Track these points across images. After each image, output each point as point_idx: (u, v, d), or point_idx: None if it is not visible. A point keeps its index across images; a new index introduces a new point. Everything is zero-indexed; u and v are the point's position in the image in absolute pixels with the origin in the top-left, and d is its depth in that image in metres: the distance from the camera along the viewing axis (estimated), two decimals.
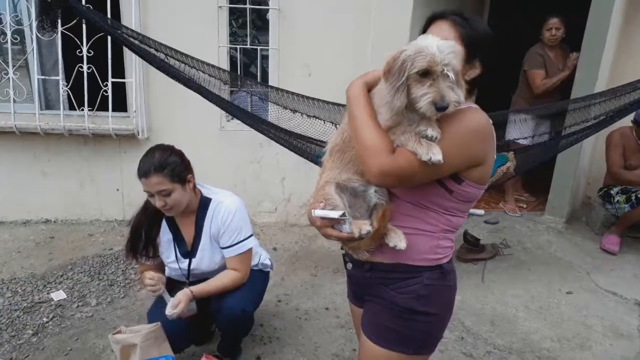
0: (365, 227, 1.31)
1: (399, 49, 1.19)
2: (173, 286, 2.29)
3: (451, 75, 1.15)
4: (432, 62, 1.14)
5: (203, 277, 2.28)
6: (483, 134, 1.30)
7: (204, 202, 2.25)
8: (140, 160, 2.08)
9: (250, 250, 2.28)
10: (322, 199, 1.37)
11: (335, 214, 1.32)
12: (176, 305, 2.08)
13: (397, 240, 1.34)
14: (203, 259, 2.26)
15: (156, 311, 2.22)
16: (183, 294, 2.12)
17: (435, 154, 1.18)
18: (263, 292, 2.50)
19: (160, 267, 2.37)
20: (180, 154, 2.16)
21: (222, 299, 2.18)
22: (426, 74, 1.15)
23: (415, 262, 1.39)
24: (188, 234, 2.27)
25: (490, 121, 1.33)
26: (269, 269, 2.56)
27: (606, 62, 4.14)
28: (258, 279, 2.44)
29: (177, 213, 2.17)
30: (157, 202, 2.07)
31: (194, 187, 2.22)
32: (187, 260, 2.27)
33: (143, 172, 2.05)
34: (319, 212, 1.35)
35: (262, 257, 2.51)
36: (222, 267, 2.28)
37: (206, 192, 2.28)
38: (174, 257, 2.28)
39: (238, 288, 2.22)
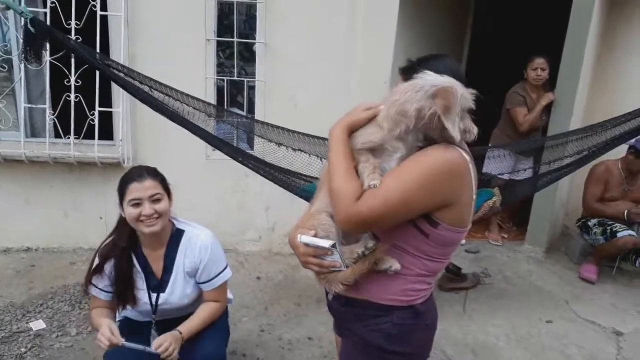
0: (364, 244, 1.31)
1: (444, 85, 1.24)
2: (130, 327, 2.16)
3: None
4: (472, 100, 1.29)
5: (170, 312, 2.18)
6: (452, 172, 1.27)
7: (176, 234, 2.15)
8: (127, 171, 2.01)
9: (227, 280, 2.23)
10: (313, 227, 1.35)
11: (325, 243, 1.29)
12: (166, 347, 1.92)
13: (390, 261, 1.33)
14: (174, 293, 2.14)
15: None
16: (171, 336, 1.98)
17: (372, 180, 1.25)
18: (229, 328, 2.43)
19: (113, 305, 2.14)
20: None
21: (196, 346, 2.09)
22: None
23: (385, 301, 1.38)
24: (157, 266, 2.14)
25: (464, 158, 1.30)
26: (230, 303, 2.48)
27: (580, 99, 4.29)
28: (222, 316, 2.33)
29: (161, 227, 2.01)
30: (146, 210, 1.93)
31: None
32: (156, 294, 2.14)
33: (136, 176, 1.94)
34: (305, 239, 1.32)
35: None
36: (193, 301, 2.19)
37: (177, 224, 2.18)
38: (144, 290, 2.13)
39: (213, 323, 2.17)
